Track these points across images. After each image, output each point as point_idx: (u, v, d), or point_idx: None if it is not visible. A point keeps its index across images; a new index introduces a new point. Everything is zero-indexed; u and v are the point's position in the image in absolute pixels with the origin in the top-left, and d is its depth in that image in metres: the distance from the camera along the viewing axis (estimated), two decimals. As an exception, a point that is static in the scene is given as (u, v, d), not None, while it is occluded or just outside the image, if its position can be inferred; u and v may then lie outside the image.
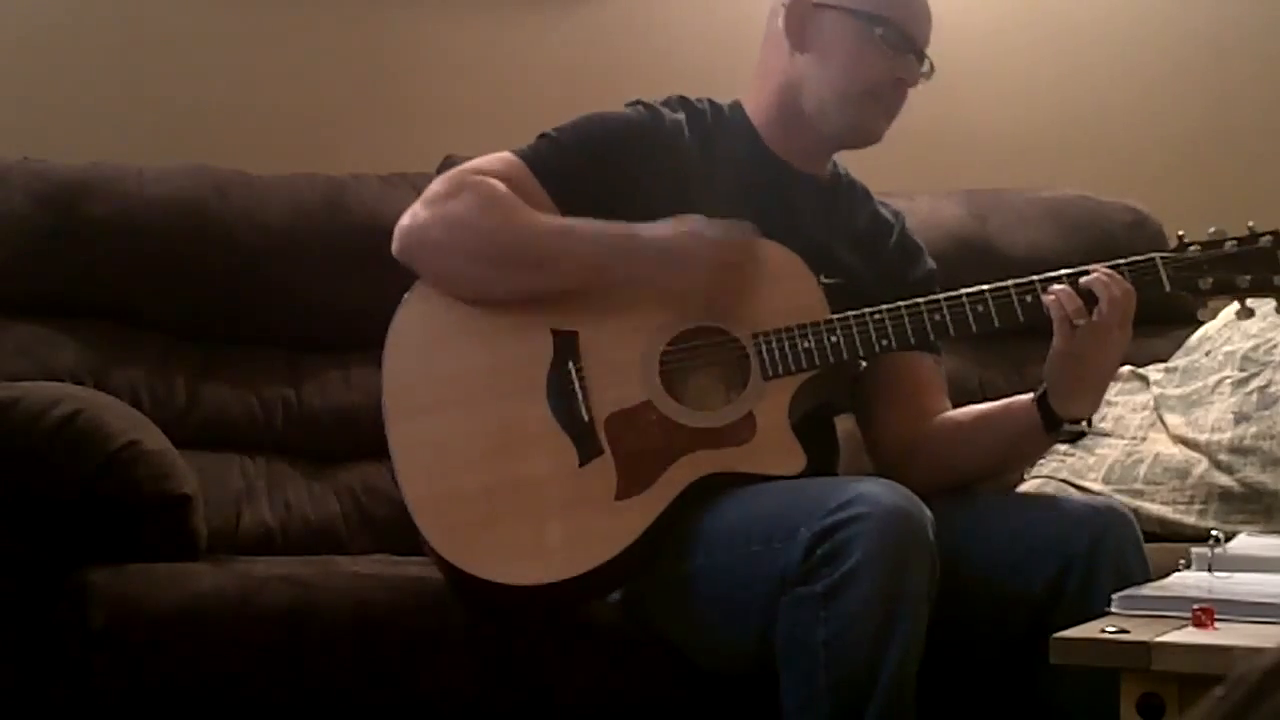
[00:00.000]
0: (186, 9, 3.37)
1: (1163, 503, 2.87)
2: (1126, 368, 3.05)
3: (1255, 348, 2.97)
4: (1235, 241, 2.22)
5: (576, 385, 2.27)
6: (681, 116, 2.41)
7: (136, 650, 2.27)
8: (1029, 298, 2.23)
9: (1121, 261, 2.23)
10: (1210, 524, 2.70)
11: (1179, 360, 3.09)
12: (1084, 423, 2.26)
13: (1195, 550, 2.14)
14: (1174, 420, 2.97)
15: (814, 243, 2.37)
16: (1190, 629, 1.85)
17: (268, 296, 2.97)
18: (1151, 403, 3.03)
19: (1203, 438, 2.91)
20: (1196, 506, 2.85)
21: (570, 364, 2.28)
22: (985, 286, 2.26)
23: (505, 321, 2.31)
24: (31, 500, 2.36)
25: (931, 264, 2.50)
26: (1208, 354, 3.05)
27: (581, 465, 2.25)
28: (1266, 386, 2.90)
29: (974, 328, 2.26)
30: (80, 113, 3.28)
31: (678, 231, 2.27)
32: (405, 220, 2.34)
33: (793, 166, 2.44)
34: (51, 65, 3.29)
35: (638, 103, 2.42)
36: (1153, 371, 3.09)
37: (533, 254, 2.30)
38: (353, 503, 2.87)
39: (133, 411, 2.60)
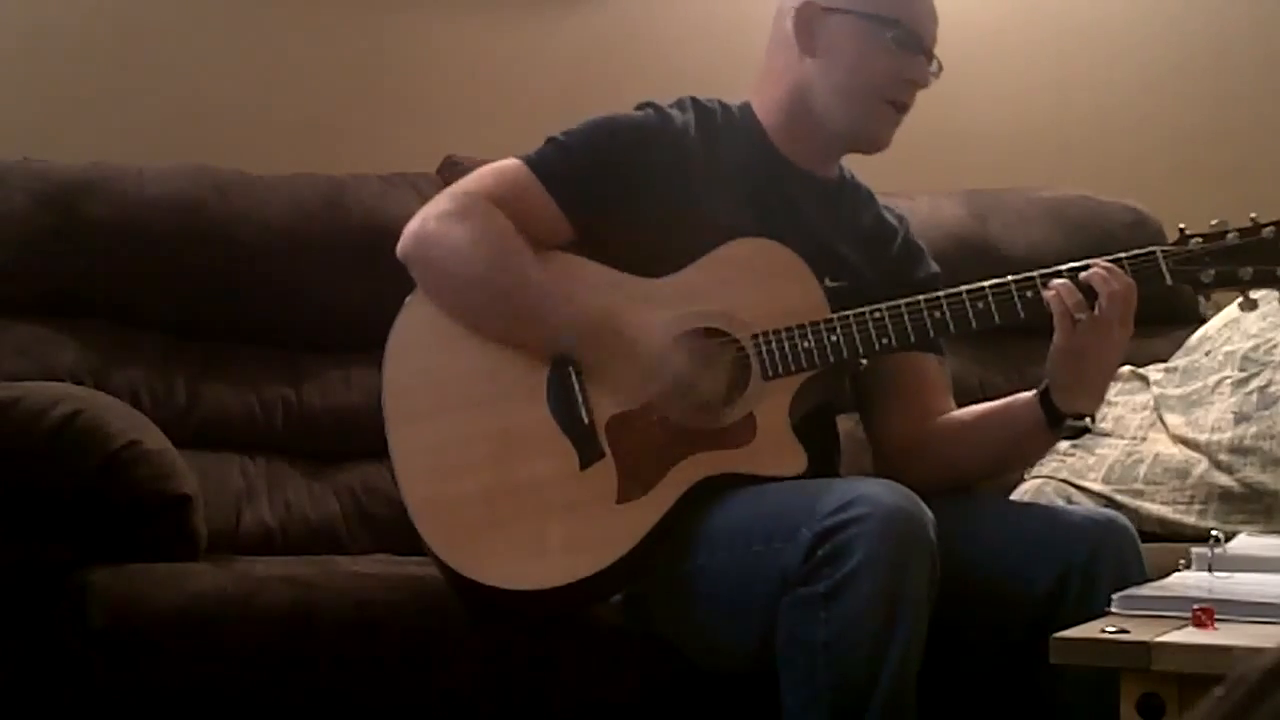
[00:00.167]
0: (186, 9, 3.37)
1: (1163, 503, 2.87)
2: (1126, 368, 3.05)
3: (1255, 348, 2.97)
4: (1237, 233, 2.20)
5: (577, 388, 2.27)
6: (691, 118, 2.40)
7: (136, 650, 2.27)
8: (1029, 293, 2.23)
9: (1122, 255, 2.22)
10: (1210, 524, 2.70)
11: (1179, 360, 3.09)
12: (1086, 419, 2.26)
13: (1195, 550, 2.14)
14: (1174, 420, 2.97)
15: (819, 245, 2.36)
16: (1190, 629, 1.84)
17: (268, 296, 2.97)
18: (1151, 403, 3.03)
19: (1203, 438, 2.91)
20: (1196, 506, 2.85)
21: (570, 367, 2.28)
22: (985, 283, 2.25)
23: (506, 324, 2.32)
24: (32, 500, 2.36)
25: (935, 267, 2.50)
26: (1208, 354, 3.04)
27: (582, 468, 2.25)
28: (1266, 386, 2.90)
29: (974, 324, 2.25)
30: (80, 113, 3.28)
31: (662, 359, 2.25)
32: (414, 225, 2.34)
33: (800, 168, 2.44)
34: (51, 65, 3.29)
35: (648, 105, 2.42)
36: (1153, 371, 3.09)
37: (507, 308, 2.30)
38: (353, 503, 2.87)
39: (133, 411, 2.60)
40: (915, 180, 3.20)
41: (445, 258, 2.32)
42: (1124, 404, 3.04)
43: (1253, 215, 2.21)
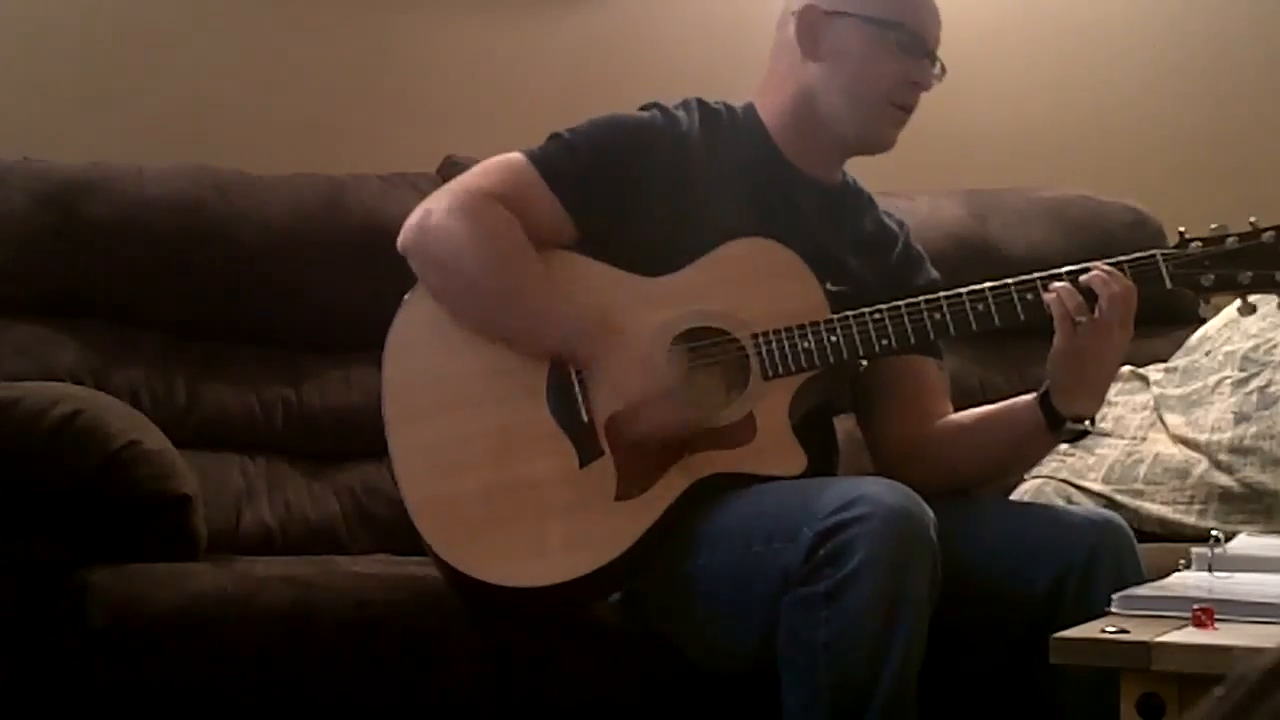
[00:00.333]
0: (186, 9, 3.37)
1: (1163, 503, 2.87)
2: (1126, 368, 3.05)
3: (1255, 348, 2.97)
4: (1237, 238, 2.21)
5: (576, 387, 2.27)
6: (695, 119, 2.41)
7: (136, 650, 2.27)
8: (1030, 295, 2.23)
9: (1123, 258, 2.22)
10: (1210, 524, 2.70)
11: (1179, 360, 3.09)
12: (1087, 421, 2.26)
13: (1195, 550, 2.14)
14: (1174, 420, 2.97)
15: (820, 248, 2.36)
16: (1190, 629, 1.84)
17: (268, 296, 2.97)
18: (1151, 403, 3.03)
19: (1203, 438, 2.91)
20: (1196, 506, 2.85)
21: (570, 365, 2.28)
22: (986, 285, 2.25)
23: (506, 323, 2.32)
24: (32, 500, 2.36)
25: (935, 274, 2.50)
26: (1208, 354, 3.05)
27: (582, 467, 2.25)
28: (1266, 386, 2.90)
29: (974, 326, 2.26)
30: (80, 113, 3.28)
31: (647, 371, 2.25)
32: (415, 219, 2.34)
33: (802, 171, 2.44)
34: (51, 65, 3.29)
35: (653, 105, 2.42)
36: (1153, 371, 3.09)
37: (501, 306, 2.30)
38: (353, 503, 2.87)
39: (133, 411, 2.60)
40: (915, 180, 3.20)
41: (445, 254, 2.32)
42: (1124, 404, 3.05)
43: (1252, 219, 2.22)
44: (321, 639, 2.29)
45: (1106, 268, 2.20)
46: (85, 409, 2.41)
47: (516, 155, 2.37)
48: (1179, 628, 1.85)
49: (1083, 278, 2.20)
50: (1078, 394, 2.23)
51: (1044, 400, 2.26)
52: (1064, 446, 2.91)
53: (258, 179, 3.02)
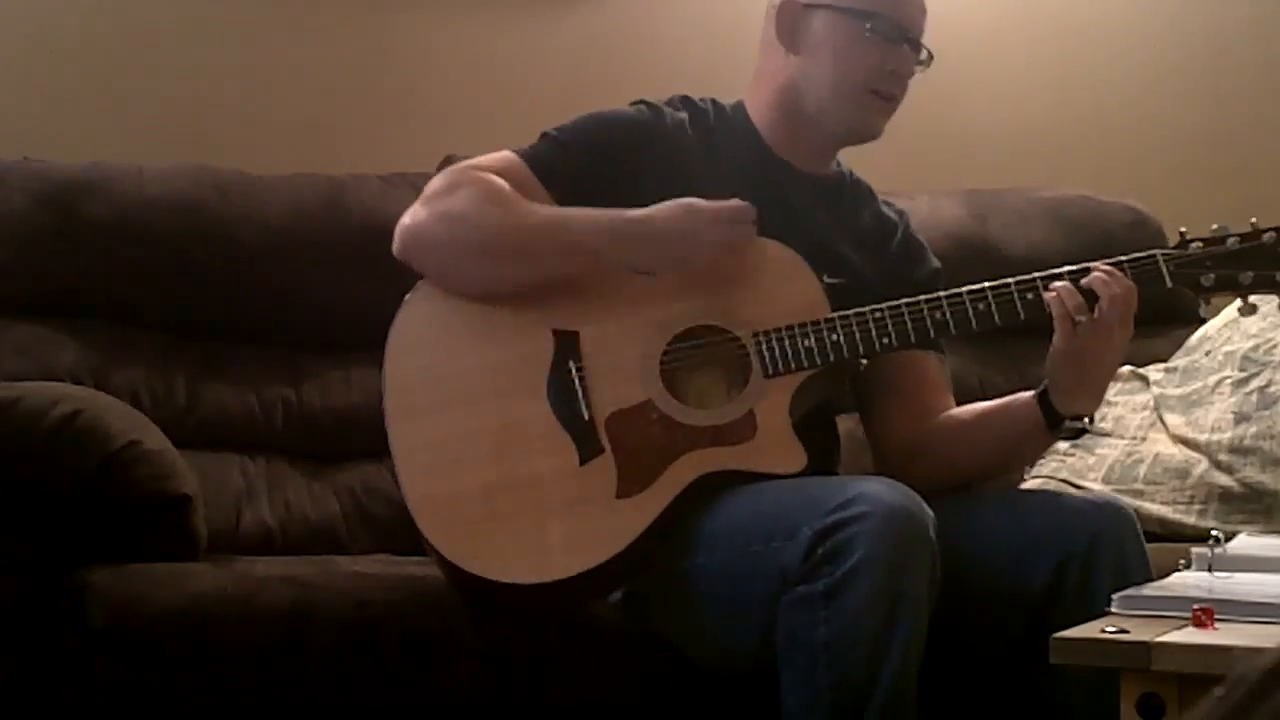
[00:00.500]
0: (187, 9, 3.37)
1: (1163, 503, 2.87)
2: (1126, 368, 3.05)
3: (1255, 348, 2.97)
4: (1237, 238, 2.21)
5: (577, 384, 2.27)
6: (684, 116, 2.42)
7: (136, 650, 2.27)
8: (1030, 295, 2.23)
9: (1123, 258, 2.22)
10: (1210, 524, 2.70)
11: (1179, 360, 3.09)
12: (1085, 420, 2.26)
13: (1195, 550, 2.14)
14: (1174, 420, 2.97)
15: (816, 242, 2.37)
16: (1190, 629, 1.84)
17: (268, 296, 2.97)
18: (1151, 403, 3.03)
19: (1203, 438, 2.91)
20: (1196, 506, 2.85)
21: (571, 363, 2.28)
22: (986, 284, 2.26)
23: (506, 321, 2.32)
24: (32, 500, 2.35)
25: (936, 263, 2.51)
26: (1208, 354, 3.05)
27: (582, 464, 2.25)
28: (1266, 386, 2.90)
29: (975, 325, 2.26)
30: (80, 113, 3.28)
31: (673, 210, 2.26)
32: (405, 219, 2.34)
33: (794, 167, 2.44)
34: (51, 65, 3.29)
35: (641, 102, 2.43)
36: (1153, 371, 3.09)
37: (531, 245, 2.30)
38: (353, 503, 2.87)
39: (133, 411, 2.60)
40: (915, 180, 3.20)
41: (445, 231, 2.31)
42: (1124, 404, 3.05)
43: (1253, 220, 2.22)
44: (321, 639, 2.29)
45: (1107, 267, 2.20)
46: (85, 409, 2.41)
47: (507, 153, 2.38)
48: (1179, 628, 1.85)
49: (1083, 279, 2.20)
50: (1077, 393, 2.24)
51: (1043, 399, 2.26)
52: (1063, 446, 2.92)
53: (258, 179, 3.02)
